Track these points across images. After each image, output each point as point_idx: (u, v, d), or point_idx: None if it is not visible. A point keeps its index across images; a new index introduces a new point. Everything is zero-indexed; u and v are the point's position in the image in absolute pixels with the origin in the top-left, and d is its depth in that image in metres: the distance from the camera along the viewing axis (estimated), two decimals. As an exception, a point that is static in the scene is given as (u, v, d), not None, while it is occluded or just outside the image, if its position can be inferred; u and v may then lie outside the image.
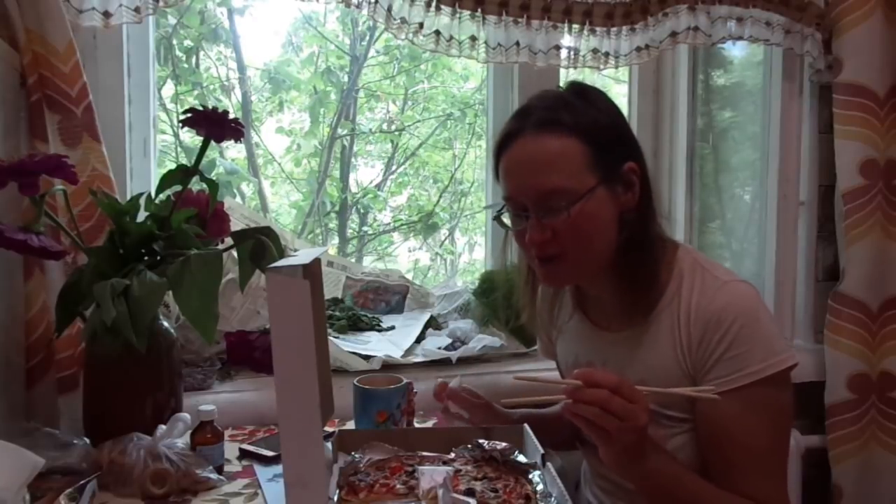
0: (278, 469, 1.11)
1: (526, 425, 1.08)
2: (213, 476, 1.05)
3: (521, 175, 1.01)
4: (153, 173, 1.58)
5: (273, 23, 2.52)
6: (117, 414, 1.12)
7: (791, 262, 1.78)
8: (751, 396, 0.98)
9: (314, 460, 0.81)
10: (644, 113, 1.89)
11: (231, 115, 1.13)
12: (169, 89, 2.22)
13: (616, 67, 1.57)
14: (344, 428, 1.22)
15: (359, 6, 1.38)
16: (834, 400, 1.67)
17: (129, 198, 1.28)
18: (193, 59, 2.26)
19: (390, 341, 1.62)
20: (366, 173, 2.67)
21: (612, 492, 1.16)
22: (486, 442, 1.01)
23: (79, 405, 1.18)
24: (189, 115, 1.11)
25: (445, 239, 2.71)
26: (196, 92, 2.25)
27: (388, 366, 1.49)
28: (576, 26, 1.50)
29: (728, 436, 0.99)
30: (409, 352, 1.58)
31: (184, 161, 1.93)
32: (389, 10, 1.39)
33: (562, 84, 1.10)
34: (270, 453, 1.16)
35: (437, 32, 1.43)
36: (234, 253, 1.22)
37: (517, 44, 1.47)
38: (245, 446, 1.19)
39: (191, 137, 2.09)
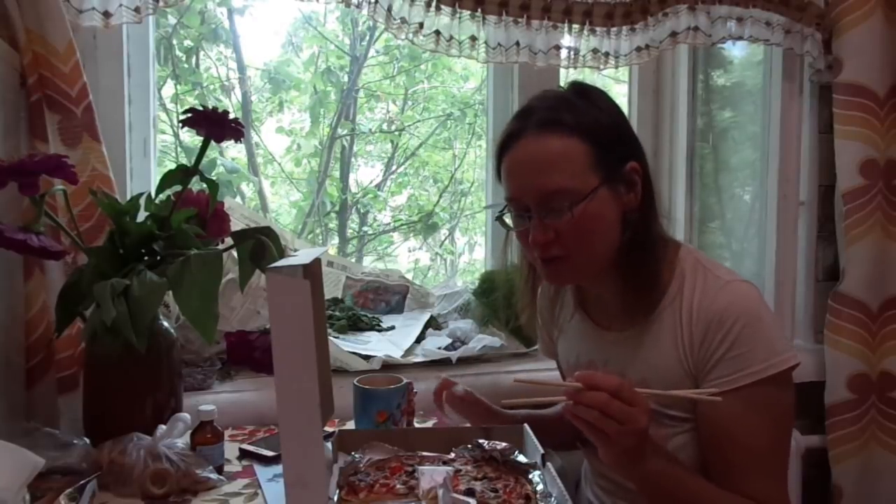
0: (278, 469, 1.11)
1: (526, 425, 1.08)
2: (213, 476, 1.05)
3: (524, 176, 1.01)
4: (153, 173, 1.58)
5: (273, 23, 2.53)
6: (117, 414, 1.12)
7: (791, 262, 1.78)
8: (752, 396, 0.98)
9: (314, 460, 0.81)
10: (644, 113, 1.89)
11: (231, 115, 1.13)
12: (169, 89, 2.22)
13: (616, 67, 1.57)
14: (344, 428, 1.22)
15: (359, 6, 1.38)
16: (834, 400, 1.67)
17: (129, 198, 1.28)
18: (193, 59, 2.26)
19: (390, 341, 1.62)
20: (366, 173, 2.67)
21: (613, 491, 1.16)
22: (486, 442, 1.01)
23: (79, 405, 1.18)
24: (189, 115, 1.11)
25: (445, 239, 2.71)
26: (196, 92, 2.25)
27: (388, 366, 1.49)
28: (576, 26, 1.50)
29: (729, 436, 0.99)
30: (409, 352, 1.58)
31: (184, 161, 1.93)
32: (389, 10, 1.39)
33: (563, 84, 1.10)
34: (270, 453, 1.16)
35: (437, 32, 1.43)
36: (234, 253, 1.22)
37: (517, 44, 1.47)
38: (245, 446, 1.19)
39: (191, 137, 2.09)
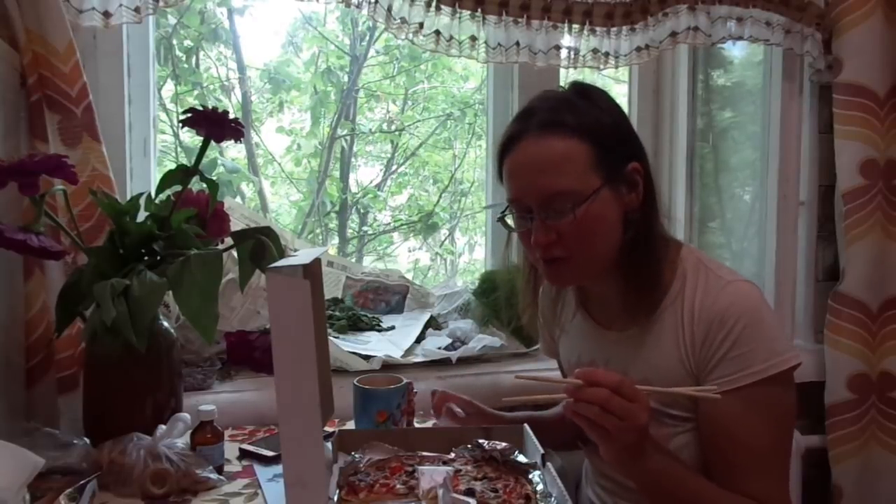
0: (278, 469, 1.11)
1: (526, 425, 1.08)
2: (213, 476, 1.05)
3: (526, 177, 1.01)
4: (153, 173, 1.58)
5: (273, 23, 2.53)
6: (117, 414, 1.12)
7: (791, 262, 1.78)
8: (753, 396, 0.98)
9: (314, 460, 0.81)
10: (644, 113, 1.89)
11: (231, 115, 1.13)
12: (169, 89, 2.22)
13: (616, 67, 1.57)
14: (344, 428, 1.22)
15: (359, 6, 1.38)
16: (834, 400, 1.67)
17: (129, 198, 1.28)
18: (193, 59, 2.26)
19: (390, 341, 1.62)
20: (366, 173, 2.67)
21: (613, 491, 1.17)
22: (486, 442, 1.01)
23: (79, 405, 1.18)
24: (189, 115, 1.11)
25: (445, 239, 2.71)
26: (196, 92, 2.26)
27: (388, 366, 1.49)
28: (576, 26, 1.50)
29: (730, 435, 0.99)
30: (409, 352, 1.58)
31: (184, 161, 1.93)
32: (389, 10, 1.39)
33: (563, 84, 1.10)
34: (270, 453, 1.16)
35: (437, 32, 1.43)
36: (234, 253, 1.22)
37: (517, 44, 1.47)
38: (245, 446, 1.19)
39: (191, 137, 2.09)
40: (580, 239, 1.00)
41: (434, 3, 1.41)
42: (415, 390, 1.24)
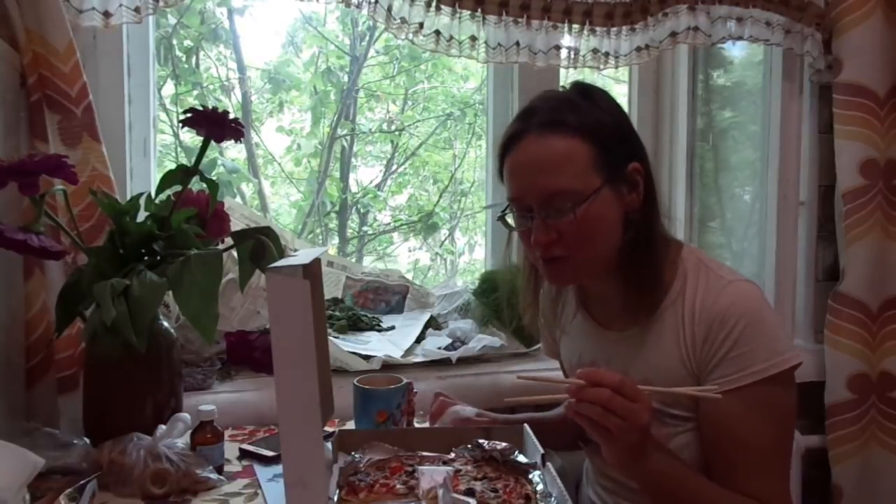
0: (278, 469, 1.11)
1: (526, 425, 1.08)
2: (213, 476, 1.05)
3: (526, 176, 1.01)
4: (153, 173, 1.58)
5: (273, 23, 2.53)
6: (117, 414, 1.12)
7: (791, 262, 1.78)
8: (754, 395, 0.98)
9: (314, 460, 0.81)
10: (644, 113, 1.89)
11: (231, 115, 1.13)
12: (169, 89, 2.22)
13: (616, 67, 1.57)
14: (344, 428, 1.22)
15: (359, 6, 1.38)
16: (834, 400, 1.67)
17: (129, 198, 1.28)
18: (193, 59, 2.26)
19: (390, 341, 1.62)
20: (366, 173, 2.67)
21: (614, 491, 1.16)
22: (486, 442, 1.01)
23: (79, 405, 1.18)
24: (189, 115, 1.11)
25: (445, 239, 2.71)
26: (196, 92, 2.26)
27: (388, 366, 1.49)
28: (576, 26, 1.50)
29: (731, 435, 0.99)
30: (409, 352, 1.58)
31: (184, 161, 1.93)
32: (389, 10, 1.39)
33: (565, 84, 1.10)
34: (270, 453, 1.16)
35: (437, 32, 1.43)
36: (234, 253, 1.22)
37: (517, 44, 1.47)
38: (245, 446, 1.19)
39: (191, 137, 2.09)
40: (580, 238, 1.00)
41: (434, 3, 1.41)
42: (415, 390, 1.24)
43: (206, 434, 1.09)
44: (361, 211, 2.61)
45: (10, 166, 1.04)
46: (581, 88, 1.06)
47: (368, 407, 1.16)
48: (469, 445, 1.02)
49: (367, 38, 2.44)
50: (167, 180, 1.17)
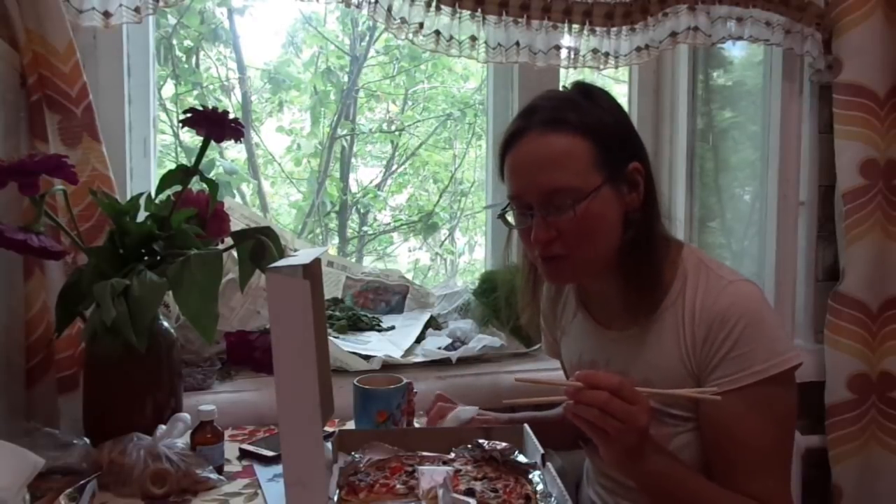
0: (278, 469, 1.11)
1: (526, 425, 1.08)
2: (213, 476, 1.05)
3: (527, 174, 1.01)
4: (153, 173, 1.58)
5: (273, 23, 2.52)
6: (117, 414, 1.12)
7: (791, 262, 1.78)
8: (754, 396, 0.98)
9: (314, 460, 0.81)
10: (644, 113, 1.89)
11: (231, 115, 1.13)
12: (169, 89, 2.22)
13: (616, 67, 1.57)
14: (344, 428, 1.22)
15: (359, 6, 1.38)
16: (834, 400, 1.67)
17: (129, 198, 1.27)
18: (193, 59, 2.26)
19: (390, 341, 1.62)
20: (366, 173, 2.67)
21: (614, 490, 1.17)
22: (486, 442, 1.01)
23: (79, 405, 1.18)
24: (189, 115, 1.11)
25: (445, 239, 2.71)
26: (196, 92, 2.25)
27: (388, 366, 1.49)
28: (576, 26, 1.50)
29: (731, 435, 0.99)
30: (409, 352, 1.58)
31: (184, 161, 1.93)
32: (389, 10, 1.39)
33: (566, 84, 1.10)
34: (270, 453, 1.16)
35: (437, 32, 1.43)
36: (234, 253, 1.22)
37: (517, 44, 1.47)
38: (245, 446, 1.19)
39: (191, 137, 2.09)
40: (580, 237, 1.00)
41: (434, 3, 1.41)
42: (415, 390, 1.24)
43: (206, 434, 1.09)
44: (361, 211, 2.61)
45: (10, 166, 1.04)
46: (582, 88, 1.06)
47: (368, 407, 1.16)
48: (469, 445, 1.02)
49: (367, 38, 2.44)
50: (167, 180, 1.17)
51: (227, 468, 1.12)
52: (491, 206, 1.86)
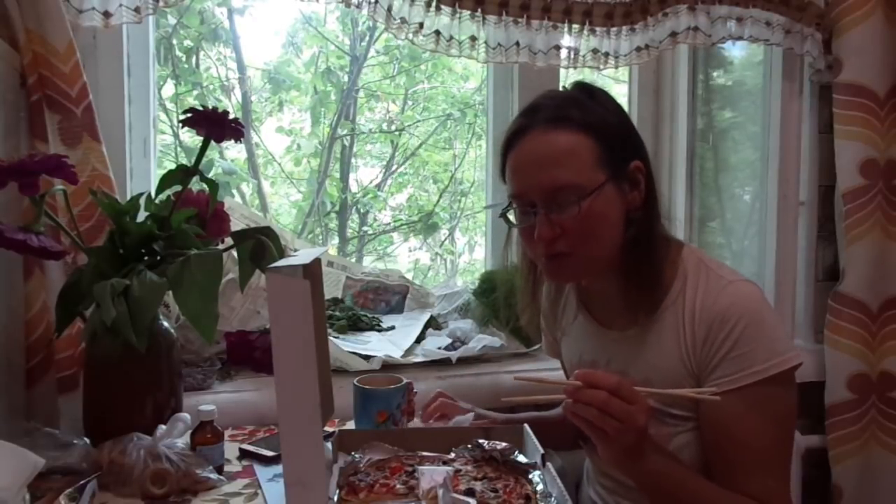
0: (278, 469, 1.11)
1: (526, 425, 1.08)
2: (213, 476, 1.05)
3: (531, 171, 1.01)
4: (153, 173, 1.58)
5: (273, 23, 2.53)
6: (117, 414, 1.12)
7: (791, 262, 1.78)
8: (754, 396, 0.98)
9: (314, 460, 0.81)
10: (644, 113, 1.89)
11: (231, 115, 1.13)
12: (169, 89, 2.22)
13: (616, 67, 1.57)
14: (344, 428, 1.22)
15: (359, 6, 1.38)
16: (834, 400, 1.67)
17: (129, 198, 1.27)
18: (193, 59, 2.26)
19: (390, 341, 1.62)
20: (366, 173, 2.67)
21: (614, 490, 1.17)
22: (486, 442, 1.01)
23: (79, 405, 1.18)
24: (189, 115, 1.11)
25: (445, 239, 2.71)
26: (196, 92, 2.26)
27: (388, 366, 1.49)
28: (576, 26, 1.50)
29: (731, 435, 0.99)
30: (409, 352, 1.58)
31: (184, 161, 1.93)
32: (389, 10, 1.39)
33: (565, 85, 1.11)
34: (270, 453, 1.16)
35: (437, 32, 1.43)
36: (234, 253, 1.22)
37: (517, 44, 1.47)
38: (245, 446, 1.19)
39: (191, 137, 2.09)
40: (583, 234, 1.00)
41: (434, 3, 1.41)
42: (415, 390, 1.24)
43: (206, 434, 1.08)
44: (361, 211, 2.61)
45: (10, 166, 1.04)
46: (584, 87, 1.06)
47: (368, 407, 1.16)
48: (469, 445, 1.02)
49: (367, 38, 2.44)
50: (167, 180, 1.17)
51: (227, 468, 1.12)
52: (491, 206, 1.86)
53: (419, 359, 1.55)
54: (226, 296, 1.51)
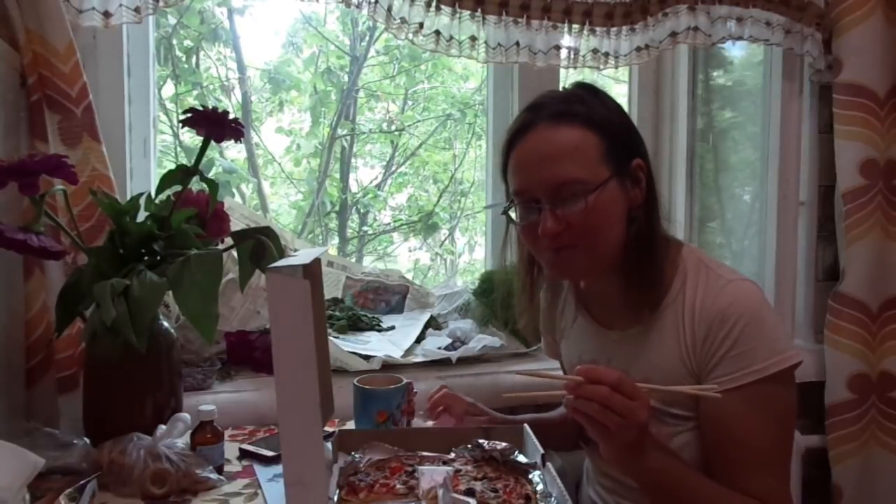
0: (278, 469, 1.11)
1: (526, 425, 1.08)
2: (213, 476, 1.05)
3: (536, 166, 1.01)
4: (153, 173, 1.58)
5: (273, 23, 2.53)
6: (117, 414, 1.12)
7: (791, 262, 1.78)
8: (754, 394, 0.98)
9: (314, 460, 0.81)
10: (644, 113, 1.89)
11: (231, 115, 1.13)
12: (169, 89, 2.22)
13: (616, 67, 1.57)
14: (344, 428, 1.22)
15: (359, 6, 1.38)
16: (834, 400, 1.67)
17: (129, 198, 1.27)
18: (193, 59, 2.26)
19: (390, 341, 1.62)
20: (366, 173, 2.67)
21: (614, 490, 1.17)
22: (486, 442, 1.01)
23: (79, 405, 1.18)
24: (189, 115, 1.11)
25: (445, 239, 2.71)
26: (196, 92, 2.26)
27: (388, 366, 1.49)
28: (576, 26, 1.50)
29: (731, 434, 0.99)
30: (409, 352, 1.58)
31: (184, 161, 1.93)
32: (389, 10, 1.39)
33: (565, 85, 1.12)
34: (270, 453, 1.16)
35: (437, 32, 1.43)
36: (234, 253, 1.22)
37: (517, 44, 1.47)
38: (245, 446, 1.19)
39: (191, 137, 2.09)
40: (588, 229, 1.00)
41: (434, 3, 1.41)
42: (415, 390, 1.24)
43: (206, 434, 1.08)
44: (361, 211, 2.61)
45: (10, 166, 1.04)
46: (585, 86, 1.07)
47: (368, 407, 1.16)
48: (469, 445, 1.02)
49: (367, 38, 2.44)
50: (167, 180, 1.17)
51: (227, 468, 1.12)
52: (491, 206, 1.86)
53: (419, 359, 1.55)
54: (226, 296, 1.51)
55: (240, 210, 1.62)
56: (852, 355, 1.66)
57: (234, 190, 2.26)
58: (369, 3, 1.38)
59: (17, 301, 1.21)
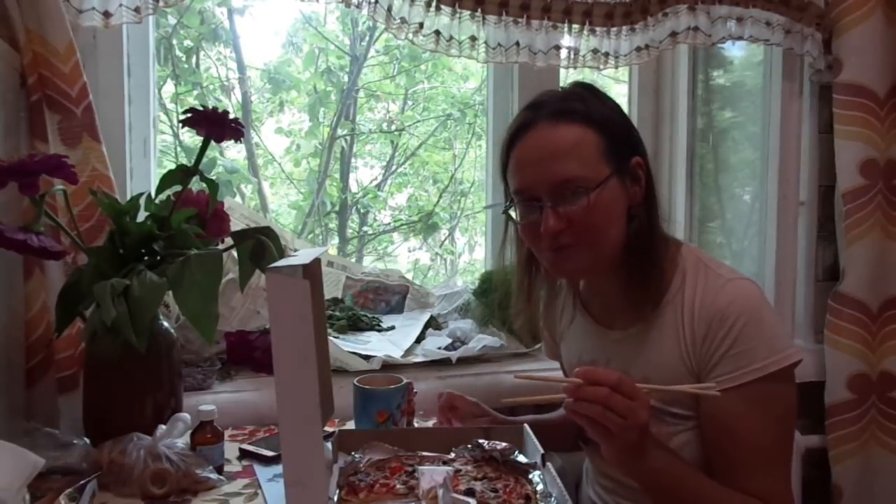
0: (278, 469, 1.11)
1: (526, 425, 1.08)
2: (213, 476, 1.05)
3: (537, 164, 1.01)
4: (153, 173, 1.58)
5: (273, 23, 2.53)
6: (117, 414, 1.12)
7: (791, 262, 1.78)
8: (754, 393, 0.98)
9: (314, 460, 0.81)
10: (644, 113, 1.89)
11: (231, 115, 1.13)
12: (169, 89, 2.22)
13: (616, 67, 1.57)
14: (344, 428, 1.22)
15: (359, 6, 1.38)
16: (834, 400, 1.67)
17: (129, 198, 1.27)
18: (193, 59, 2.26)
19: (390, 341, 1.62)
20: (366, 173, 2.68)
21: (614, 490, 1.17)
22: (486, 442, 1.01)
23: (79, 405, 1.18)
24: (189, 115, 1.11)
25: (445, 239, 2.71)
26: (196, 92, 2.26)
27: (388, 366, 1.49)
28: (576, 26, 1.50)
29: (732, 433, 0.99)
30: (409, 352, 1.58)
31: (184, 161, 1.93)
32: (389, 10, 1.39)
33: (564, 85, 1.11)
34: (270, 453, 1.16)
35: (437, 32, 1.43)
36: (234, 253, 1.22)
37: (517, 44, 1.47)
38: (245, 446, 1.19)
39: (191, 137, 2.09)
40: (589, 227, 1.00)
41: (434, 3, 1.41)
42: (415, 390, 1.24)
43: (206, 434, 1.09)
44: (361, 211, 2.61)
45: (10, 166, 1.04)
46: (583, 85, 1.08)
47: (368, 407, 1.16)
48: (469, 445, 1.02)
49: (367, 38, 2.44)
50: (167, 180, 1.17)
51: (227, 468, 1.12)
52: (491, 206, 1.86)
53: (419, 359, 1.55)
54: (226, 296, 1.51)
55: (240, 210, 1.63)
56: (852, 355, 1.66)
57: (235, 190, 2.26)
58: (369, 3, 1.38)
59: (17, 301, 1.21)
